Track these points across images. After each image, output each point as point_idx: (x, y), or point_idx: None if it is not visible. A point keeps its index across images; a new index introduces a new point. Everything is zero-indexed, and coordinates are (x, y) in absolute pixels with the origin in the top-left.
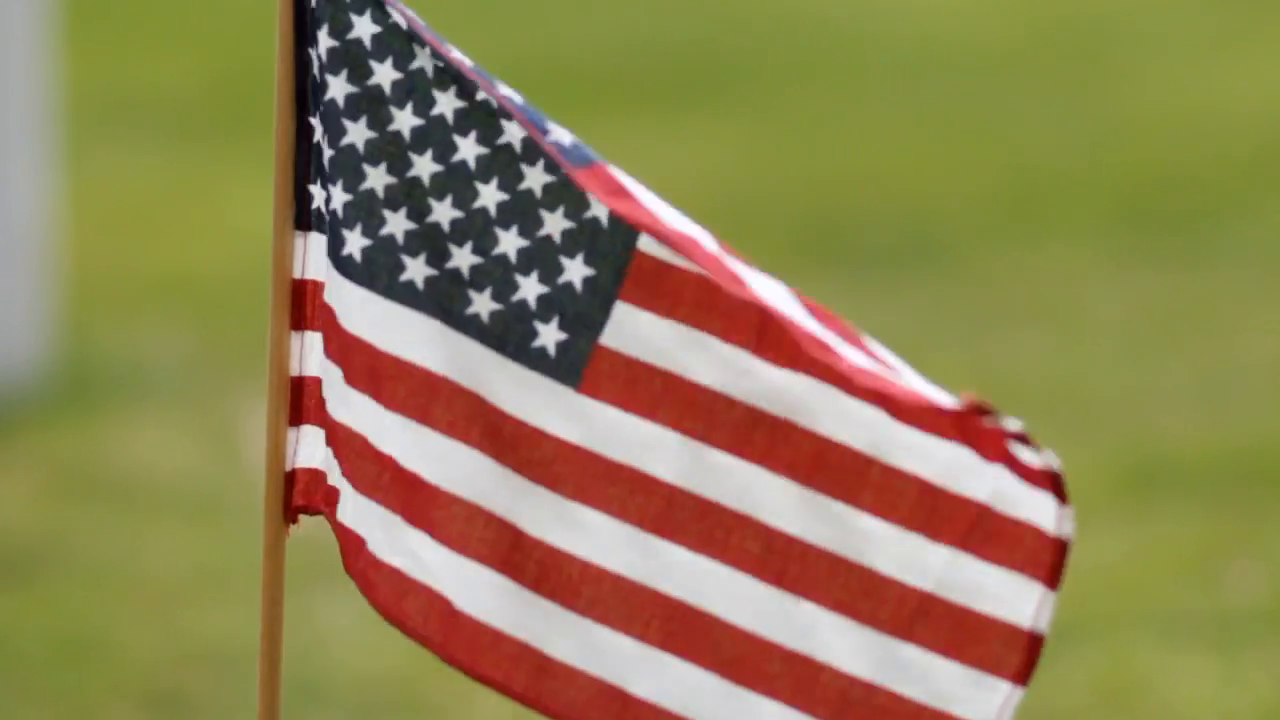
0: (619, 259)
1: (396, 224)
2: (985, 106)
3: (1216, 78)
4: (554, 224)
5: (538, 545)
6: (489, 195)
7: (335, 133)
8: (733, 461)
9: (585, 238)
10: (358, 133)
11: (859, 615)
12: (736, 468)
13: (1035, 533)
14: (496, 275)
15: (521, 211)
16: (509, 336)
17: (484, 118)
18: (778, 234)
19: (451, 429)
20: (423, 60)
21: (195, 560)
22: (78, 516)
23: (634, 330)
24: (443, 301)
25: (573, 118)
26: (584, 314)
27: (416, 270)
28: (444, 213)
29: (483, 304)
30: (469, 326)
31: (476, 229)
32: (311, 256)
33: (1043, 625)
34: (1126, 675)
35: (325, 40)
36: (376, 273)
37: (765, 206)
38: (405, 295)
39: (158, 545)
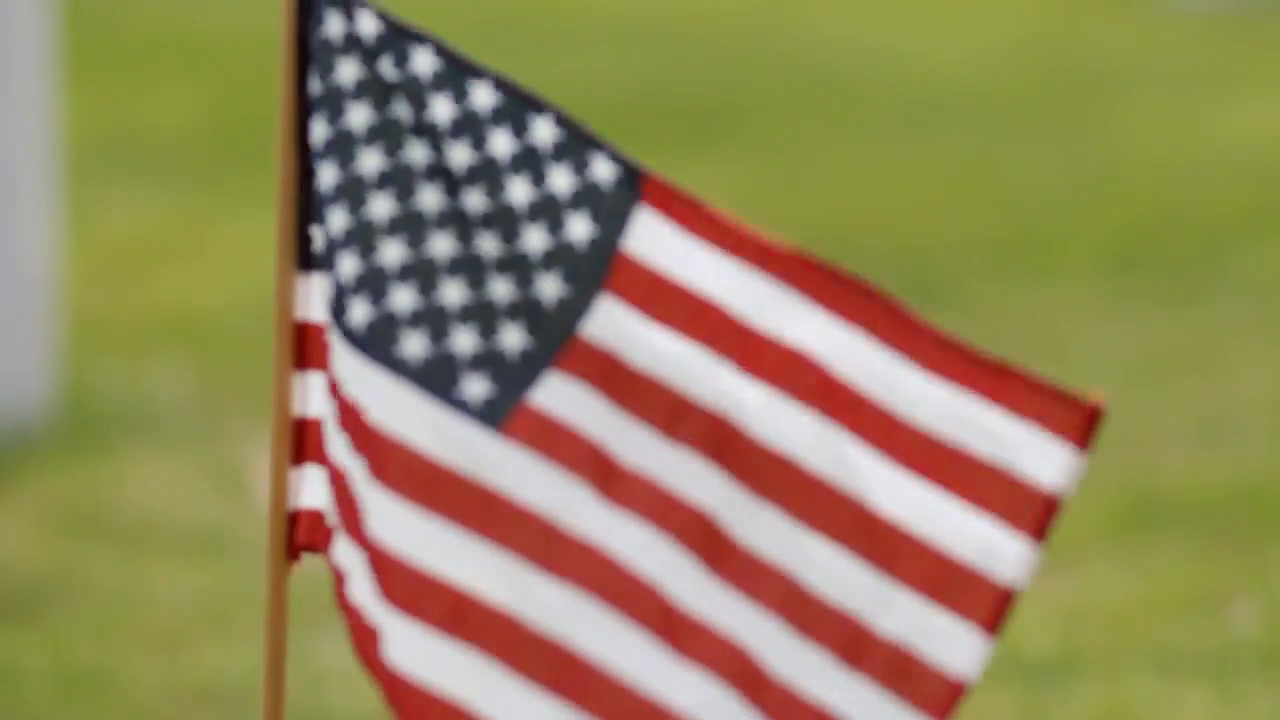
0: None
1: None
2: (985, 149)
3: (1210, 122)
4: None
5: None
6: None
7: (325, 171)
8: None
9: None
10: (329, 173)
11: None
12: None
13: (1029, 489)
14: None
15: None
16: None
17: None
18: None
19: (397, 486)
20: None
21: (200, 597)
22: (84, 554)
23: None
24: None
25: None
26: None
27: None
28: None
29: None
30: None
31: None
32: (314, 297)
33: (1019, 579)
34: (1125, 711)
35: (315, 83)
36: (375, 342)
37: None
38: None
39: (162, 582)
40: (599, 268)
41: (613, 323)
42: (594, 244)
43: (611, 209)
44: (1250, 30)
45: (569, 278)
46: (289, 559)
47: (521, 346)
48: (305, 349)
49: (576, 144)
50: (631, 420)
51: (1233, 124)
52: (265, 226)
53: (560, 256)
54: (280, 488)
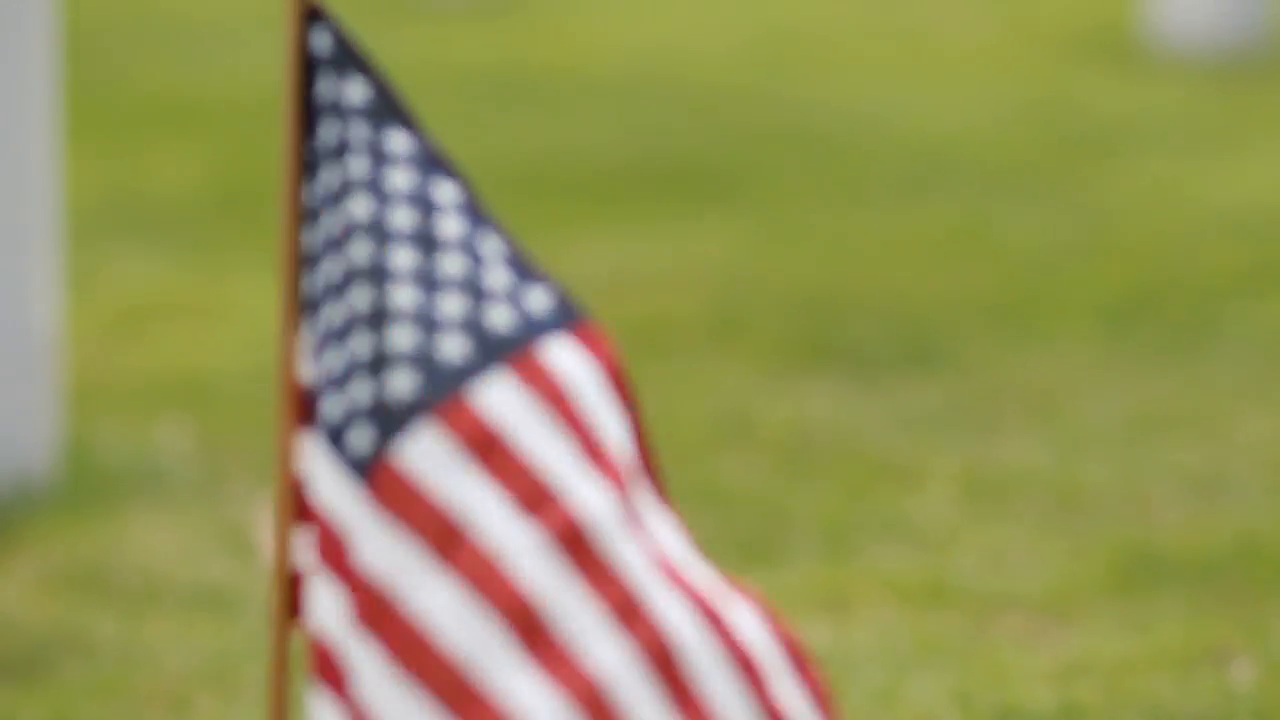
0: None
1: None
2: (979, 212)
3: (1204, 181)
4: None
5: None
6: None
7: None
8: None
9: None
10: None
11: None
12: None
13: None
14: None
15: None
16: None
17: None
18: (778, 334)
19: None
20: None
21: (204, 657)
22: (87, 613)
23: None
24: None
25: (584, 210)
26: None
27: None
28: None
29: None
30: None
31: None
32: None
33: None
34: None
35: (309, 145)
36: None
37: (766, 306)
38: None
39: (166, 642)
40: (508, 348)
41: (504, 400)
42: (511, 330)
43: (538, 319)
44: (1243, 82)
45: (477, 344)
46: (292, 618)
47: (407, 396)
48: (308, 408)
49: (523, 265)
50: (493, 493)
51: (1225, 183)
52: (268, 287)
53: (473, 327)
54: (283, 547)
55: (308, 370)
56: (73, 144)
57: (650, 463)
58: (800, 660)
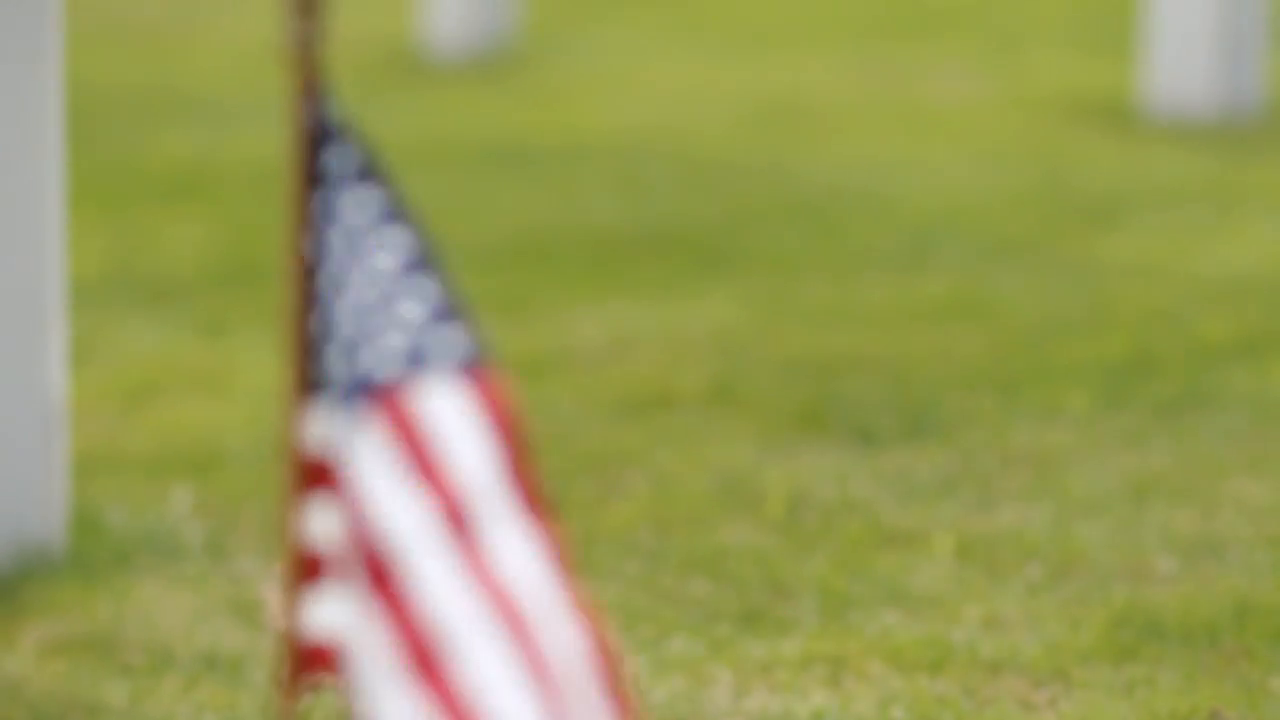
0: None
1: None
2: (979, 283)
3: (1199, 254)
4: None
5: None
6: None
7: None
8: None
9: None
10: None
11: None
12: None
13: None
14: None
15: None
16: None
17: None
18: (777, 402)
19: None
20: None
21: None
22: (96, 681)
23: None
24: None
25: (584, 280)
26: None
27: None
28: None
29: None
30: None
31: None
32: (321, 423)
33: None
34: None
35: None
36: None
37: (766, 374)
38: None
39: (175, 709)
40: (377, 383)
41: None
42: (390, 365)
43: (428, 356)
44: (1238, 150)
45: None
46: (300, 683)
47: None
48: (314, 474)
49: (444, 306)
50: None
51: (1219, 251)
52: (273, 358)
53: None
54: (289, 614)
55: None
56: (79, 217)
57: (527, 493)
58: (610, 681)
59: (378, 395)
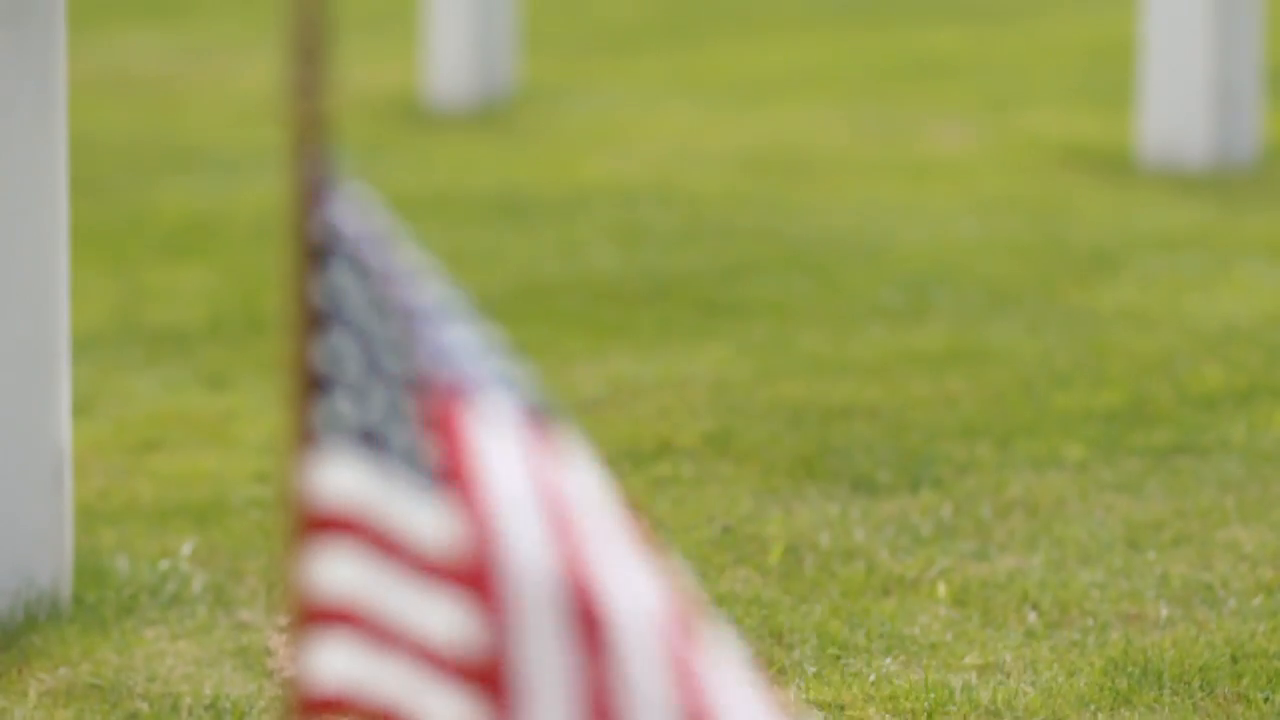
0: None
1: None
2: (976, 333)
3: (1194, 303)
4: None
5: None
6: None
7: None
8: None
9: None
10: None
11: None
12: None
13: None
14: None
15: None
16: None
17: None
18: (775, 451)
19: None
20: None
21: None
22: None
23: None
24: None
25: (584, 331)
26: None
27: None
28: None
29: None
30: None
31: None
32: (325, 472)
33: None
34: None
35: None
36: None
37: (764, 424)
38: None
39: None
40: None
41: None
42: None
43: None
44: (1233, 200)
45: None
46: None
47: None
48: (318, 522)
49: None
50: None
51: (1214, 300)
52: (277, 407)
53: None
54: (295, 662)
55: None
56: (84, 268)
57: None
58: (683, 636)
59: (434, 393)
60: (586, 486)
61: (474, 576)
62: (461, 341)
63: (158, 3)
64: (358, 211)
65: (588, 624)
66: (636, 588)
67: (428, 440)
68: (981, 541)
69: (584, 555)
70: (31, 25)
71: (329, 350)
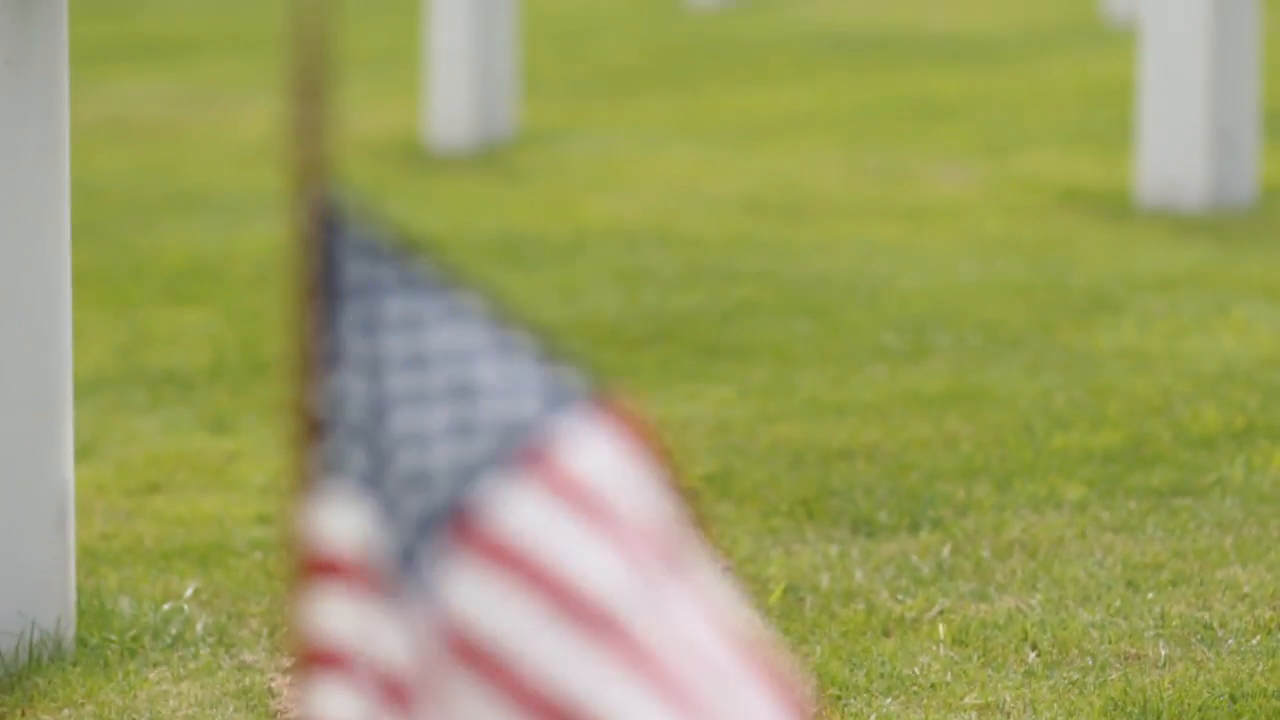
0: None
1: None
2: (974, 373)
3: (1191, 344)
4: None
5: None
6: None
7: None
8: None
9: None
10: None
11: None
12: None
13: None
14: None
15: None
16: None
17: None
18: (775, 492)
19: None
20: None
21: None
22: None
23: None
24: None
25: (595, 370)
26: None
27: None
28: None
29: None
30: None
31: None
32: (329, 517)
33: None
34: None
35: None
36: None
37: (764, 465)
38: None
39: None
40: (521, 441)
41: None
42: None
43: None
44: (1230, 241)
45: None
46: None
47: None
48: (323, 569)
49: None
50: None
51: (1211, 341)
52: (279, 449)
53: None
54: (298, 702)
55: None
56: (85, 312)
57: (697, 529)
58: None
59: (525, 455)
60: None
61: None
62: (530, 382)
63: (159, 47)
64: (367, 250)
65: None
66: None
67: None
68: (981, 582)
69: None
70: (34, 70)
71: (332, 393)
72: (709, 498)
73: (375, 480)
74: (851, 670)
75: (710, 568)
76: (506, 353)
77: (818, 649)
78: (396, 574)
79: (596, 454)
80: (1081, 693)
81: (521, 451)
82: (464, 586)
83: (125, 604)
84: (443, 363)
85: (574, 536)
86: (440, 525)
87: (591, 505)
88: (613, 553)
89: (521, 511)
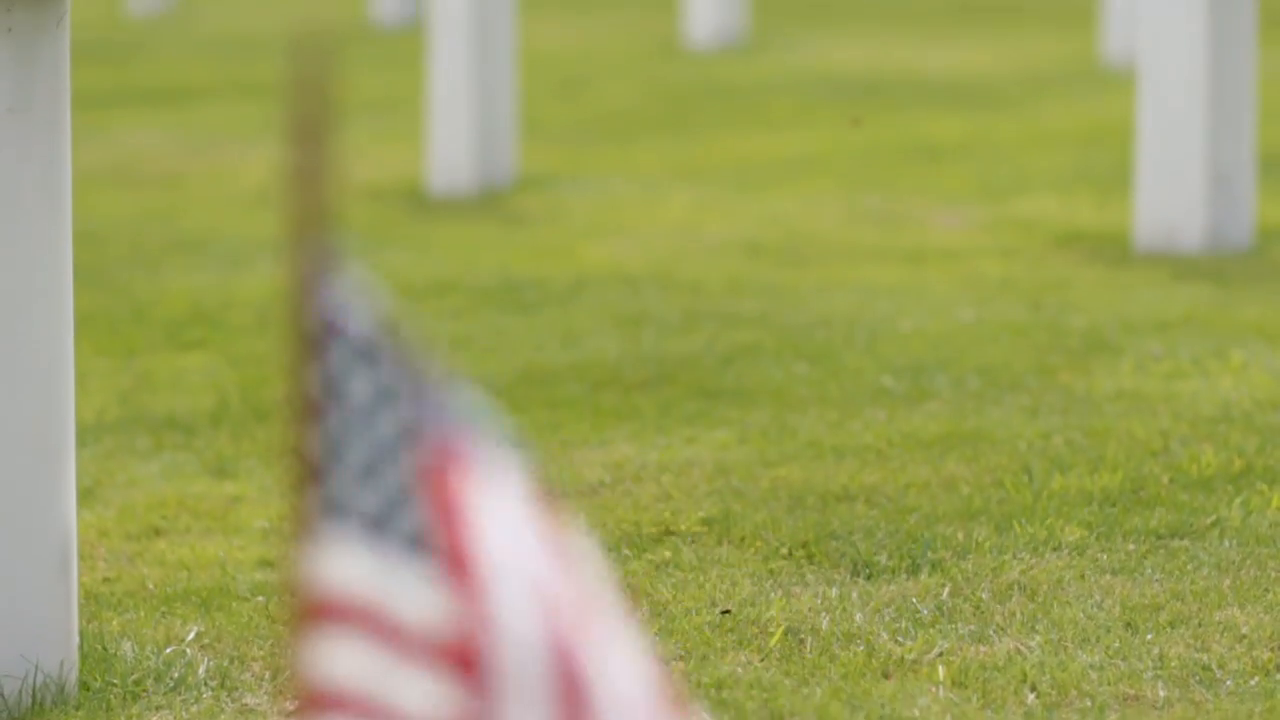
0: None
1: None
2: (974, 424)
3: (1189, 387)
4: None
5: None
6: None
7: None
8: None
9: None
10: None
11: None
12: None
13: None
14: None
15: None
16: None
17: None
18: (774, 534)
19: None
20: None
21: None
22: None
23: None
24: None
25: (583, 416)
26: None
27: None
28: None
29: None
30: None
31: None
32: (327, 559)
33: None
34: None
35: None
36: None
37: (764, 507)
38: None
39: None
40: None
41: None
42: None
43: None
44: (1228, 284)
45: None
46: None
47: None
48: (324, 613)
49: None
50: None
51: (1209, 384)
52: (280, 493)
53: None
54: None
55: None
56: (89, 357)
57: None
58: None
59: (431, 453)
60: (578, 562)
61: (463, 656)
62: (462, 408)
63: (160, 94)
64: (359, 297)
65: (572, 694)
66: (622, 665)
67: (421, 499)
68: (980, 624)
69: (572, 628)
70: (36, 116)
71: (329, 436)
72: (709, 541)
73: (386, 521)
74: (852, 712)
75: (622, 616)
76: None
77: (818, 691)
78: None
79: (499, 515)
80: None
81: (429, 446)
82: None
83: (128, 648)
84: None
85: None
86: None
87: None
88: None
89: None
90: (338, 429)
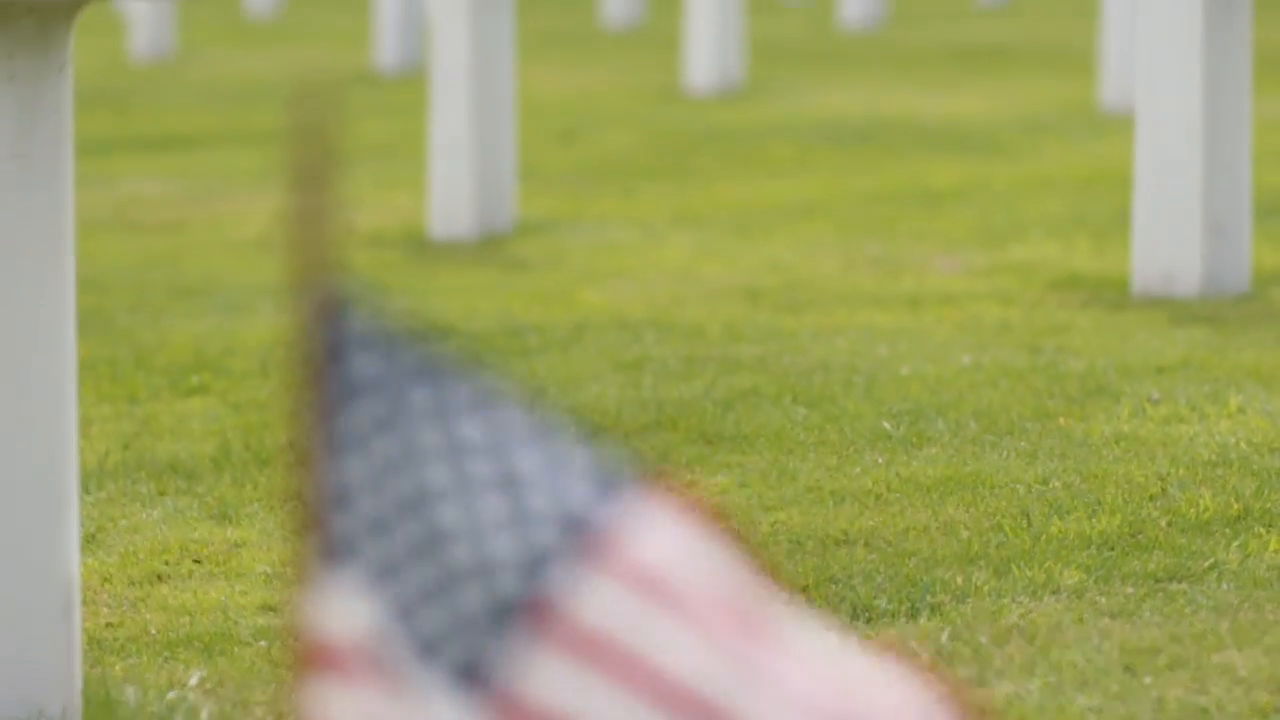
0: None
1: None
2: (972, 468)
3: (1188, 431)
4: None
5: None
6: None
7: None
8: None
9: None
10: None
11: None
12: None
13: None
14: None
15: None
16: None
17: None
18: (776, 580)
19: None
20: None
21: None
22: None
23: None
24: None
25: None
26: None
27: None
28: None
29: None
30: None
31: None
32: (335, 604)
33: None
34: None
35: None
36: None
37: (770, 554)
38: None
39: None
40: (587, 531)
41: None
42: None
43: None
44: (1226, 328)
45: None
46: None
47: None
48: (328, 660)
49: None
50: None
51: (1206, 427)
52: (283, 539)
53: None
54: None
55: (345, 608)
56: (92, 403)
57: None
58: None
59: (591, 543)
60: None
61: None
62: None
63: (162, 140)
64: (377, 340)
65: None
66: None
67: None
68: (980, 667)
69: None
70: (38, 162)
71: (338, 484)
72: None
73: (396, 572)
74: None
75: (800, 620)
76: (542, 440)
77: None
78: (417, 665)
79: (659, 537)
80: None
81: (587, 540)
82: (549, 677)
83: (130, 693)
84: (482, 452)
85: (654, 625)
86: (515, 616)
87: (664, 591)
88: (695, 638)
89: (598, 602)
90: (347, 475)
